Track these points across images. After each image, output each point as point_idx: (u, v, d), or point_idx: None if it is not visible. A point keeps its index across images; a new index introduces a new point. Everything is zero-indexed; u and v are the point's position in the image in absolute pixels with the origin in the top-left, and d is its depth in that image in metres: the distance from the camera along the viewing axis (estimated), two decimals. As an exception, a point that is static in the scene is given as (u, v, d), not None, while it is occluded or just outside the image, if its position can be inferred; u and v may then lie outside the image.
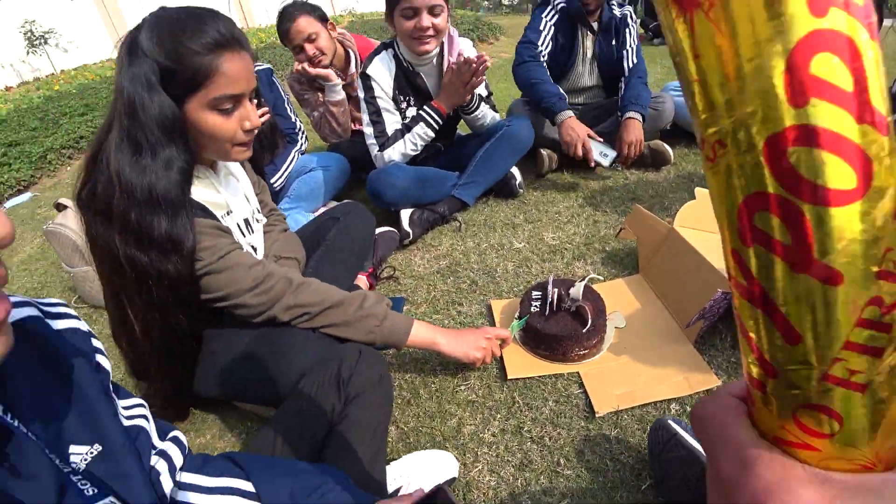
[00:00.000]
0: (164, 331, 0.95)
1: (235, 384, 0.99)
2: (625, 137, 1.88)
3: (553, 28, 2.02)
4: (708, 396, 0.22)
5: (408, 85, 1.78)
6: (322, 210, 1.96)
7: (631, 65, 2.04)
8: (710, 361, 1.04)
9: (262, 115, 1.46)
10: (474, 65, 1.59)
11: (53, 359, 0.46)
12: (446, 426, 1.01)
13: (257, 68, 1.77)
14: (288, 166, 1.98)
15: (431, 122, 1.73)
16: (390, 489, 0.83)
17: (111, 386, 0.53)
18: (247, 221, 1.11)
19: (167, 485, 0.55)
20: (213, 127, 0.88)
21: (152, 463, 0.54)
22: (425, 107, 1.73)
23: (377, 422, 0.81)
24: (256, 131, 0.95)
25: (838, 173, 0.13)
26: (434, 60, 1.75)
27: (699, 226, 1.30)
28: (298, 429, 0.79)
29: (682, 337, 1.10)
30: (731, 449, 0.18)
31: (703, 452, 0.73)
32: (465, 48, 1.79)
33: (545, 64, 1.99)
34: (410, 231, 1.68)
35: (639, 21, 2.27)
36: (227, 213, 1.03)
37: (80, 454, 0.44)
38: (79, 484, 0.43)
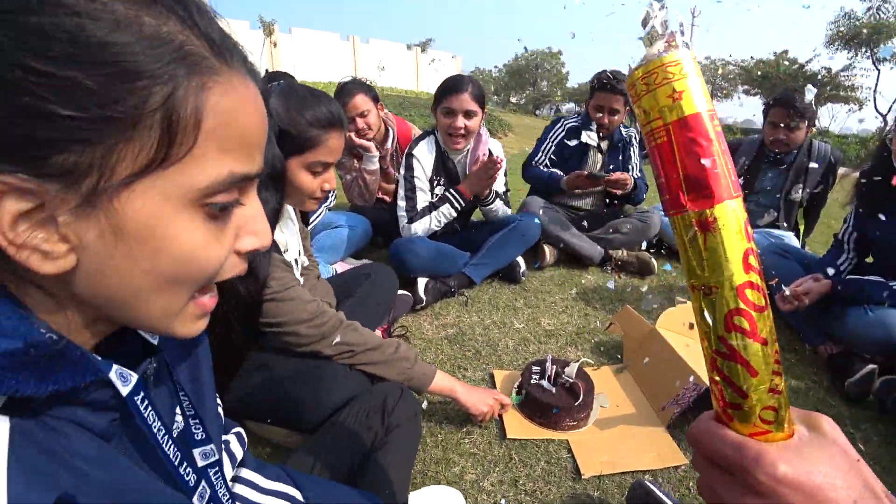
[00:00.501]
0: (218, 346, 1.09)
1: (268, 403, 1.10)
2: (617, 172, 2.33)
3: (557, 144, 2.50)
4: (696, 422, 0.36)
5: (442, 168, 2.07)
6: (340, 264, 2.16)
7: (635, 176, 2.46)
8: (679, 443, 1.23)
9: None
10: (498, 164, 1.91)
11: None
12: (450, 472, 1.14)
13: None
14: (316, 218, 2.20)
15: (455, 203, 2.00)
16: (408, 516, 0.96)
17: None
18: (295, 261, 1.29)
19: (228, 474, 0.58)
20: (303, 183, 1.09)
21: None
22: (452, 190, 2.01)
23: (409, 453, 0.96)
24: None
25: (757, 299, 0.33)
26: (466, 152, 2.06)
27: (676, 329, 1.53)
28: (341, 447, 0.93)
29: (657, 420, 1.30)
30: (728, 442, 0.33)
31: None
32: (494, 148, 2.12)
33: (542, 167, 2.51)
34: (424, 298, 1.88)
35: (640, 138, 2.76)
36: (284, 252, 1.21)
37: None
38: (193, 427, 0.48)
